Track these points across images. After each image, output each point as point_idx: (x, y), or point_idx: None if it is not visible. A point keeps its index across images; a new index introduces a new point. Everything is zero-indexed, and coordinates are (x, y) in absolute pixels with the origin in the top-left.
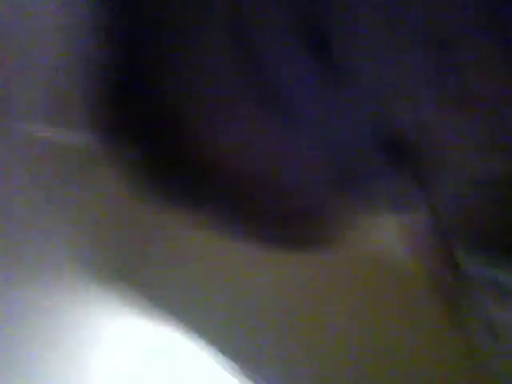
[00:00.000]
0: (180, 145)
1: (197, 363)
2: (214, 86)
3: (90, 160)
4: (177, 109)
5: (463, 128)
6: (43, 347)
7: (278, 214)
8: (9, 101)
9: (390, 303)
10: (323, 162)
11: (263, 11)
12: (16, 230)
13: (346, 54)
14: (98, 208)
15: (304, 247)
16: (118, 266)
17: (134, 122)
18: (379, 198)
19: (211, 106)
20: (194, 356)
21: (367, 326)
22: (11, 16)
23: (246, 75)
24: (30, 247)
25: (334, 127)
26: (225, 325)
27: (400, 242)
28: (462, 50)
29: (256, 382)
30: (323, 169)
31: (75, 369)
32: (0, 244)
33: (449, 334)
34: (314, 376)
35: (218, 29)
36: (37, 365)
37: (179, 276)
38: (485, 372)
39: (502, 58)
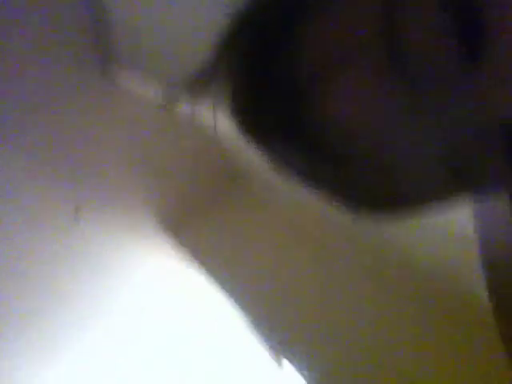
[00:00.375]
0: (299, 106)
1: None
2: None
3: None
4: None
5: None
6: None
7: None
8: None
9: None
10: (437, 145)
11: None
12: (114, 182)
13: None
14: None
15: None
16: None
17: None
18: (483, 184)
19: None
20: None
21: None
22: None
23: (387, 46)
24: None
25: (456, 111)
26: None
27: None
28: None
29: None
30: (435, 151)
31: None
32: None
33: None
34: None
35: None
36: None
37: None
38: None
39: None
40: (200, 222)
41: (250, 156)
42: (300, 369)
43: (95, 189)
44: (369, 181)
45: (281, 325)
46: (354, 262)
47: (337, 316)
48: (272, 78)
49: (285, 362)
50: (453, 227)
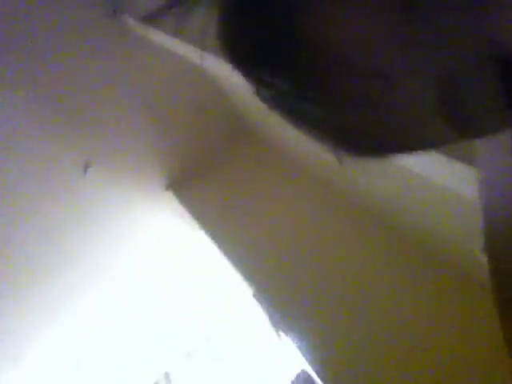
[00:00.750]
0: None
1: None
2: None
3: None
4: None
5: None
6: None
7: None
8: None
9: None
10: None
11: None
12: (122, 138)
13: None
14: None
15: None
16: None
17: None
18: (480, 119)
19: None
20: None
21: None
22: None
23: None
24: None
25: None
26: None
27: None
28: None
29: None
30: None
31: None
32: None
33: None
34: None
35: None
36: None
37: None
38: None
39: None
40: (204, 181)
41: (256, 108)
42: (297, 340)
43: (104, 144)
44: (363, 120)
45: (280, 293)
46: (356, 226)
47: (336, 284)
48: None
49: (283, 333)
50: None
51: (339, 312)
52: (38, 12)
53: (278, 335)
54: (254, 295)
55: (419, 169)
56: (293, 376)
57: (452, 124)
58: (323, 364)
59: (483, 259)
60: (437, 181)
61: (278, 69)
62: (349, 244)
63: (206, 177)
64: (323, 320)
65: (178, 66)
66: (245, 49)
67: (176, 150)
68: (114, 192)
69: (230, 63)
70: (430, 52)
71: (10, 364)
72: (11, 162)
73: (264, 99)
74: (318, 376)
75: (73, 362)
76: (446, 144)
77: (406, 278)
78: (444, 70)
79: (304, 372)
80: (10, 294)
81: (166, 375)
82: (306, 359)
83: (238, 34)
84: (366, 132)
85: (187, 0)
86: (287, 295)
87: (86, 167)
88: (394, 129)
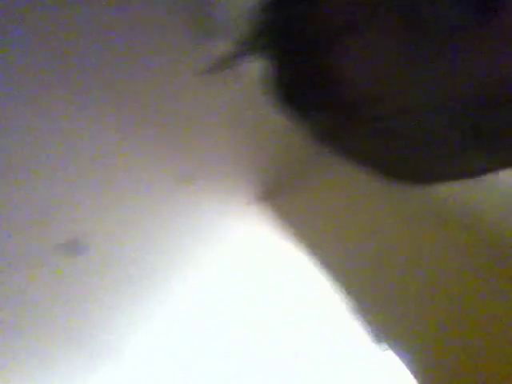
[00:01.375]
0: (315, 61)
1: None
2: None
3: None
4: (317, 27)
5: None
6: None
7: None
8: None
9: None
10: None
11: None
12: (214, 147)
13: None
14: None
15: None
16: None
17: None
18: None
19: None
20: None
21: None
22: None
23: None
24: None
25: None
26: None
27: None
28: None
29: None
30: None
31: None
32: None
33: None
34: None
35: None
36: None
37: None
38: None
39: None
40: (298, 190)
41: None
42: (401, 353)
43: (199, 154)
44: (399, 152)
45: (381, 307)
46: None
47: (442, 298)
48: (295, 32)
49: (385, 345)
50: None
51: (447, 326)
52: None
53: (380, 350)
54: (351, 309)
55: None
56: None
57: (483, 150)
58: (429, 379)
59: None
60: None
61: (319, 108)
62: (452, 257)
63: (301, 186)
64: (429, 334)
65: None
66: (291, 92)
67: (269, 158)
68: (208, 201)
69: (282, 105)
70: (452, 87)
71: (112, 355)
72: (111, 177)
73: (311, 134)
74: None
75: (176, 358)
76: (488, 171)
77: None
78: (466, 103)
79: None
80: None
81: None
82: (411, 373)
83: (285, 80)
84: (408, 162)
85: (244, 53)
86: (389, 309)
87: (183, 178)
88: (431, 159)
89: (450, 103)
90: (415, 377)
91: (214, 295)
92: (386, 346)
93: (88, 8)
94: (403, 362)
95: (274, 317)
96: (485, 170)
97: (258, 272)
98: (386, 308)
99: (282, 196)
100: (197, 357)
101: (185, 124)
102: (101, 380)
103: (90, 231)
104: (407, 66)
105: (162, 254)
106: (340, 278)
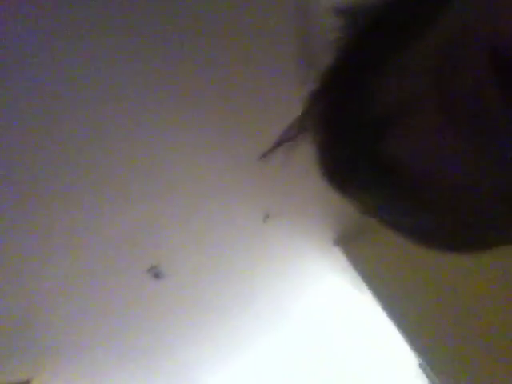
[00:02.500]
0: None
1: None
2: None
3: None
4: (376, 114)
5: None
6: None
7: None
8: None
9: None
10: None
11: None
12: (298, 193)
13: None
14: None
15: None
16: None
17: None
18: None
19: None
20: None
21: None
22: None
23: (439, 97)
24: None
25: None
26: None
27: None
28: None
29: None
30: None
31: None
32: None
33: None
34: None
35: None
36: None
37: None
38: None
39: None
40: (374, 236)
41: None
42: None
43: (283, 198)
44: (454, 224)
45: (450, 365)
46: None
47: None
48: (349, 120)
49: None
50: None
51: None
52: None
53: None
54: (421, 365)
55: None
56: None
57: None
58: None
59: None
60: None
61: (371, 189)
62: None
63: (376, 232)
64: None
65: None
66: (343, 176)
67: (345, 202)
68: (288, 243)
69: (332, 188)
70: (499, 159)
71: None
72: (198, 212)
73: (365, 213)
74: None
75: None
76: None
77: None
78: (506, 180)
79: None
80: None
81: None
82: None
83: (332, 161)
84: (461, 233)
85: (293, 140)
86: (457, 367)
87: (266, 217)
88: (484, 228)
89: (492, 179)
90: None
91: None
92: None
93: None
94: None
95: (344, 364)
96: None
97: (332, 319)
98: (455, 367)
99: (357, 243)
100: None
101: (272, 167)
102: None
103: (176, 260)
104: (467, 153)
105: (240, 285)
106: (411, 335)
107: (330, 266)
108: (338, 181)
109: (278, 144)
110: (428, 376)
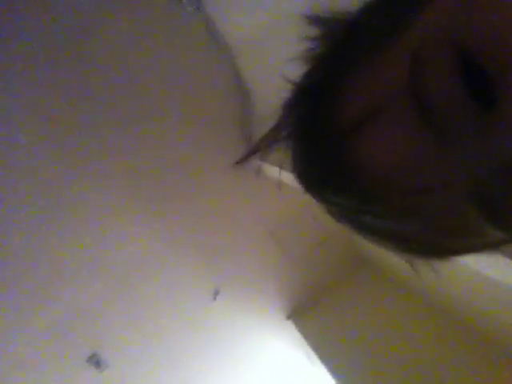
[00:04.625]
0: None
1: None
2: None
3: None
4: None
5: None
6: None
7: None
8: None
9: None
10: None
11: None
12: (249, 266)
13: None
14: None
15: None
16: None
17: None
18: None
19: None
20: None
21: None
22: None
23: (413, 98)
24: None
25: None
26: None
27: None
28: None
29: None
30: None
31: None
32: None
33: None
34: None
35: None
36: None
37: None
38: None
39: None
40: (324, 310)
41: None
42: None
43: (233, 273)
44: (414, 228)
45: None
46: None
47: None
48: (317, 122)
49: None
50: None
51: None
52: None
53: None
54: None
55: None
56: None
57: (494, 225)
58: None
59: None
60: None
61: (338, 190)
62: None
63: (327, 306)
64: None
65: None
66: (312, 177)
67: (298, 278)
68: (238, 319)
69: (303, 189)
70: (460, 166)
71: None
72: (146, 285)
73: (333, 215)
74: None
75: None
76: (497, 245)
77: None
78: (475, 179)
79: None
80: None
81: None
82: None
83: (306, 167)
84: (420, 238)
85: (269, 144)
86: None
87: (216, 293)
88: (442, 233)
89: (465, 181)
90: None
91: None
92: None
93: None
94: None
95: None
96: (502, 242)
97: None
98: None
99: (308, 316)
100: None
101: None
102: None
103: (113, 346)
104: (426, 150)
105: (186, 370)
106: None
107: (283, 339)
108: (314, 187)
109: (253, 152)
110: None
